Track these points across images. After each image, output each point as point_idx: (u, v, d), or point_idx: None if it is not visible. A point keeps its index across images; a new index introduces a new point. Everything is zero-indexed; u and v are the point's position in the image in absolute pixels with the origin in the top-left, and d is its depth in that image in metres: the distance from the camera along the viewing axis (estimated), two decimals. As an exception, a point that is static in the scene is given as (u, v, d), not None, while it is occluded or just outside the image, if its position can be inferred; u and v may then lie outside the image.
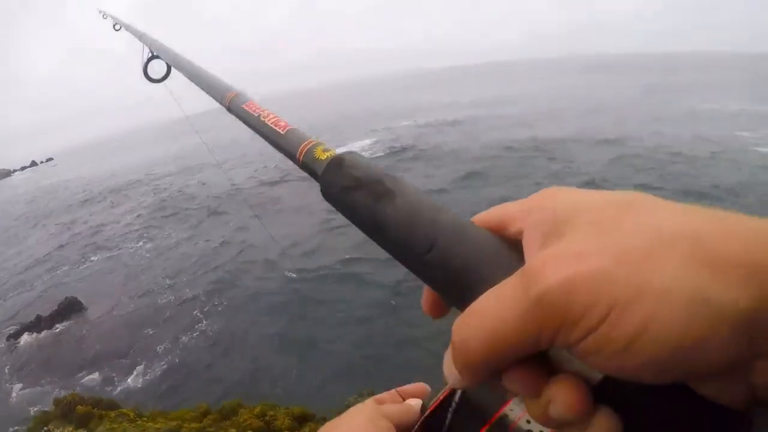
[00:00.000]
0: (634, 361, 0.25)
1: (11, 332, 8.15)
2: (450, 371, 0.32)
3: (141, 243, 10.56)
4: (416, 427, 0.53)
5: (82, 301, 8.53)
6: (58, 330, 7.89)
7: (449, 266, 0.34)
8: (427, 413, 0.50)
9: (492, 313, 0.29)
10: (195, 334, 6.47)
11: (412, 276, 0.38)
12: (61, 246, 11.92)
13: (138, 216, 12.58)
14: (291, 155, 0.50)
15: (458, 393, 0.44)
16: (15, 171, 72.43)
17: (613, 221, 0.28)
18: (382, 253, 0.39)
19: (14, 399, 7.03)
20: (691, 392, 0.26)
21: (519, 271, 0.29)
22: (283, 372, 7.83)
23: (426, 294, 0.38)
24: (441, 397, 0.49)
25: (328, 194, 0.43)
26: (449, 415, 0.44)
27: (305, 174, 0.49)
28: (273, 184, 11.08)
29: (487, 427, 0.43)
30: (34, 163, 77.94)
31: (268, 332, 6.94)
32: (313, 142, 0.48)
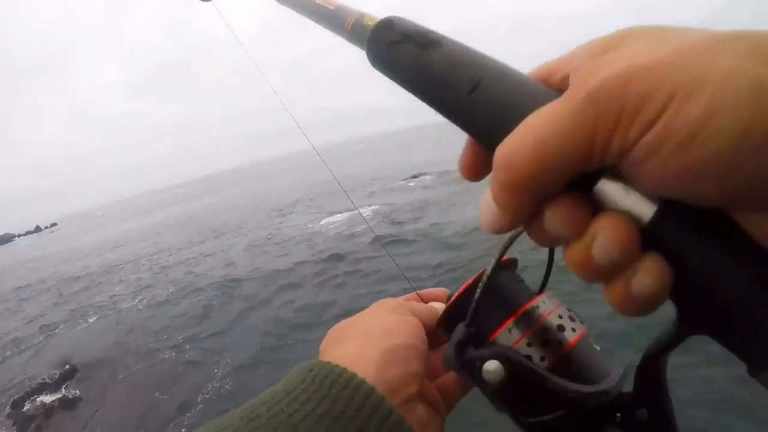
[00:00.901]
0: (699, 155, 0.22)
1: (14, 399, 7.94)
2: (488, 208, 0.30)
3: (136, 301, 10.34)
4: (440, 316, 0.50)
5: (82, 365, 8.32)
6: (61, 400, 7.64)
7: (494, 103, 0.31)
8: (452, 300, 0.48)
9: (540, 123, 0.26)
10: (210, 395, 6.27)
11: None
12: (58, 308, 11.73)
13: (136, 279, 12.37)
14: (339, 28, 0.50)
15: (484, 279, 0.41)
16: (19, 236, 72.57)
17: (669, 34, 0.25)
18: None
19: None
20: (745, 235, 0.24)
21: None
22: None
23: (465, 153, 0.36)
24: (466, 285, 0.47)
25: (373, 55, 0.41)
26: (474, 300, 0.41)
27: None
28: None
29: (514, 318, 0.42)
30: (38, 228, 77.96)
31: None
32: (361, 13, 0.47)
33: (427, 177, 17.13)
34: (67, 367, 8.34)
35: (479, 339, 0.42)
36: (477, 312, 0.42)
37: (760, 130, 0.20)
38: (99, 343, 8.59)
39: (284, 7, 0.65)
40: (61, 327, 9.93)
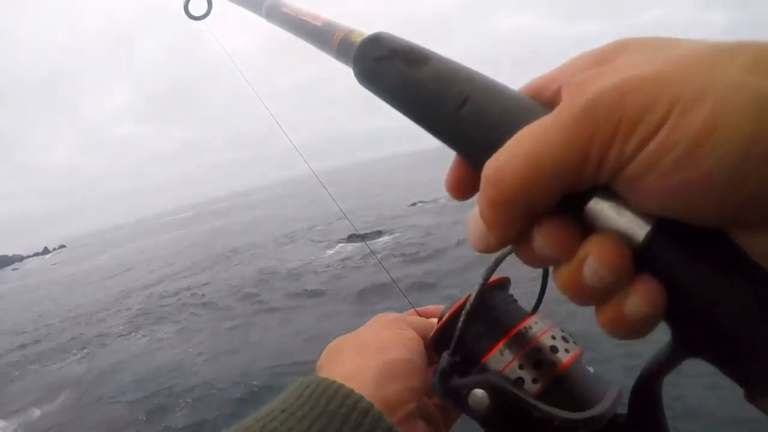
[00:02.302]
0: (700, 169, 0.21)
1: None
2: (475, 226, 0.29)
3: (137, 338, 10.01)
4: (431, 335, 0.49)
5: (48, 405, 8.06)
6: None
7: (482, 119, 0.31)
8: (442, 322, 0.47)
9: (532, 136, 0.25)
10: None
11: None
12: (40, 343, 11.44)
13: (127, 319, 11.95)
14: (326, 45, 0.49)
15: (467, 307, 0.41)
16: (27, 257, 73.00)
17: (667, 45, 0.25)
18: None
19: None
20: (743, 255, 0.23)
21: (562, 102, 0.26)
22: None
23: (452, 171, 0.34)
24: (458, 305, 0.46)
25: (360, 71, 0.41)
26: (458, 328, 0.41)
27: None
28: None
29: (506, 339, 0.41)
30: (46, 250, 78.30)
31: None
32: (349, 30, 0.47)
33: (442, 200, 17.09)
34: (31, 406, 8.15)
35: (470, 361, 0.42)
36: (461, 340, 0.41)
37: (763, 143, 0.20)
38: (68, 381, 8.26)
39: (273, 24, 0.64)
40: (36, 365, 9.58)
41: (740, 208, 0.22)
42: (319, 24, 0.53)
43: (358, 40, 0.42)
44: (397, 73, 0.36)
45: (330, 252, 13.05)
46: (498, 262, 0.39)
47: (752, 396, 0.24)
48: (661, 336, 0.29)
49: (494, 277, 0.42)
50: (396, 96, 0.37)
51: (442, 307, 0.57)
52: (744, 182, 0.21)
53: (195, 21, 0.94)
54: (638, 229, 0.25)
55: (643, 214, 0.25)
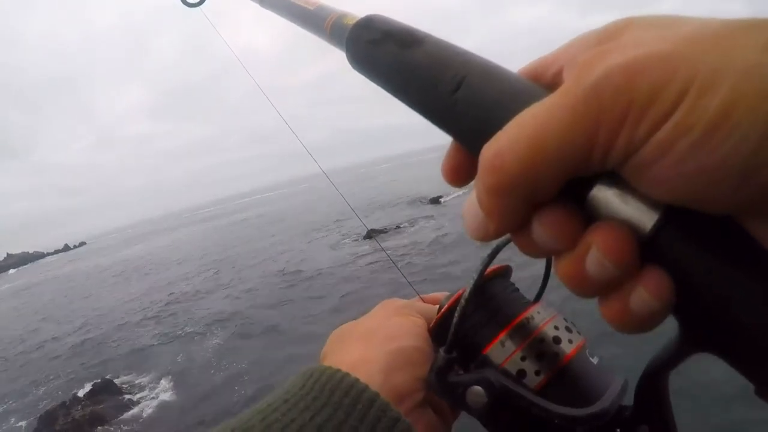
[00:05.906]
0: (717, 154, 0.19)
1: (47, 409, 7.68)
2: (473, 213, 0.27)
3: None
4: (432, 324, 0.48)
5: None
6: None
7: (479, 102, 0.29)
8: (441, 312, 0.46)
9: (534, 119, 0.23)
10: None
11: None
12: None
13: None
14: (319, 28, 0.48)
15: (462, 302, 0.39)
16: (48, 254, 74.25)
17: (677, 23, 0.23)
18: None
19: None
20: (756, 246, 0.22)
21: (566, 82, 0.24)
22: None
23: (448, 156, 0.33)
24: (457, 295, 0.44)
25: (352, 55, 0.39)
26: (453, 324, 0.39)
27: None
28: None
29: (507, 330, 0.40)
30: (67, 247, 79.60)
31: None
32: (342, 13, 0.45)
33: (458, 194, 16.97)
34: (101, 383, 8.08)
35: (471, 353, 0.41)
36: (459, 334, 0.40)
37: None
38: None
39: (267, 9, 0.63)
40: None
41: (756, 195, 0.20)
42: (311, 8, 0.51)
43: (351, 23, 0.40)
44: (390, 56, 0.35)
45: (346, 249, 13.04)
46: (495, 252, 0.38)
47: (763, 392, 0.23)
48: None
49: (495, 264, 0.41)
50: (390, 80, 0.36)
51: (447, 293, 0.55)
52: (761, 168, 0.19)
53: (191, 9, 0.93)
54: (645, 217, 0.23)
55: (650, 201, 0.23)
